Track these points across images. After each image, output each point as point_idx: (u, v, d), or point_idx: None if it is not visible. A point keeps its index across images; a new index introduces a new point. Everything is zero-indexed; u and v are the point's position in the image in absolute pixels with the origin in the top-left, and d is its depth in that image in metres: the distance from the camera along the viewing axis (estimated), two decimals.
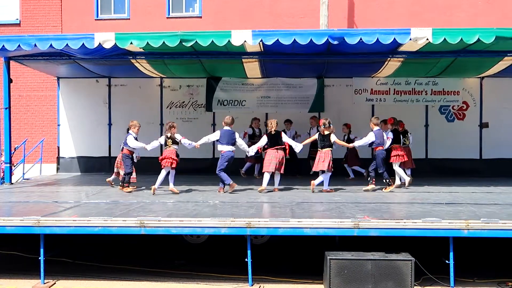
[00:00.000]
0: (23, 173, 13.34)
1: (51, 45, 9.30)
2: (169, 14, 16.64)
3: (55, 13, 16.91)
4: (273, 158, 9.82)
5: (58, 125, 14.63)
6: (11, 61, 11.52)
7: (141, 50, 10.31)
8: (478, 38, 8.71)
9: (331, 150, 9.86)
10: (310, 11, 16.03)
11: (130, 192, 9.78)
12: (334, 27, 14.32)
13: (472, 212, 7.37)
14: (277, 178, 9.97)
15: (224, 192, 9.72)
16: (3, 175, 11.64)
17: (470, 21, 15.30)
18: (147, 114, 14.14)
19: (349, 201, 8.60)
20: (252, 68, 12.65)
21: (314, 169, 10.07)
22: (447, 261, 6.69)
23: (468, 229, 6.60)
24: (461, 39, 8.74)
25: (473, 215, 7.09)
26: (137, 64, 12.27)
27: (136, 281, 7.16)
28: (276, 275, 7.27)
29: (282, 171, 9.91)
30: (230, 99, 14.05)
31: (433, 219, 6.74)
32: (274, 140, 9.91)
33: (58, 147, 14.62)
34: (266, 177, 9.83)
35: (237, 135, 9.93)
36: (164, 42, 9.01)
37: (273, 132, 9.94)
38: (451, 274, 6.66)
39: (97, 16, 16.82)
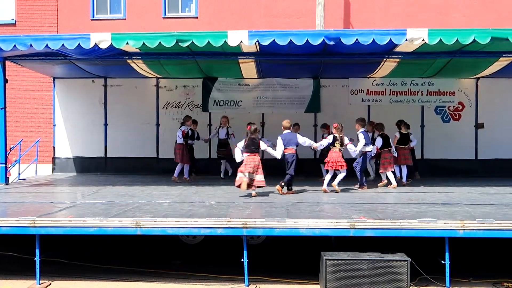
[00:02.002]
0: (19, 173, 13.31)
1: (47, 45, 9.29)
2: (165, 14, 16.64)
3: (51, 13, 16.87)
4: (390, 158, 10.80)
5: (54, 125, 14.60)
6: (6, 61, 11.47)
7: (137, 50, 10.29)
8: (474, 39, 8.74)
9: None
10: (306, 11, 16.06)
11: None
12: (330, 27, 14.34)
13: (468, 213, 7.38)
14: (386, 175, 10.77)
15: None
16: None
17: (466, 22, 15.36)
18: (143, 114, 14.17)
19: (345, 202, 8.61)
20: (248, 68, 12.65)
21: (402, 163, 11.30)
22: (442, 261, 6.70)
23: (464, 229, 6.61)
24: (457, 39, 8.76)
25: (469, 216, 7.10)
26: (133, 65, 12.25)
27: (132, 281, 7.15)
28: (272, 275, 7.26)
29: (393, 168, 10.91)
30: (226, 99, 14.04)
31: (429, 219, 6.75)
32: (388, 142, 10.93)
33: (54, 148, 14.57)
34: (390, 175, 10.74)
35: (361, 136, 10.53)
36: (160, 42, 9.01)
37: (384, 135, 10.90)
38: (447, 274, 6.67)
39: (93, 16, 16.81)
